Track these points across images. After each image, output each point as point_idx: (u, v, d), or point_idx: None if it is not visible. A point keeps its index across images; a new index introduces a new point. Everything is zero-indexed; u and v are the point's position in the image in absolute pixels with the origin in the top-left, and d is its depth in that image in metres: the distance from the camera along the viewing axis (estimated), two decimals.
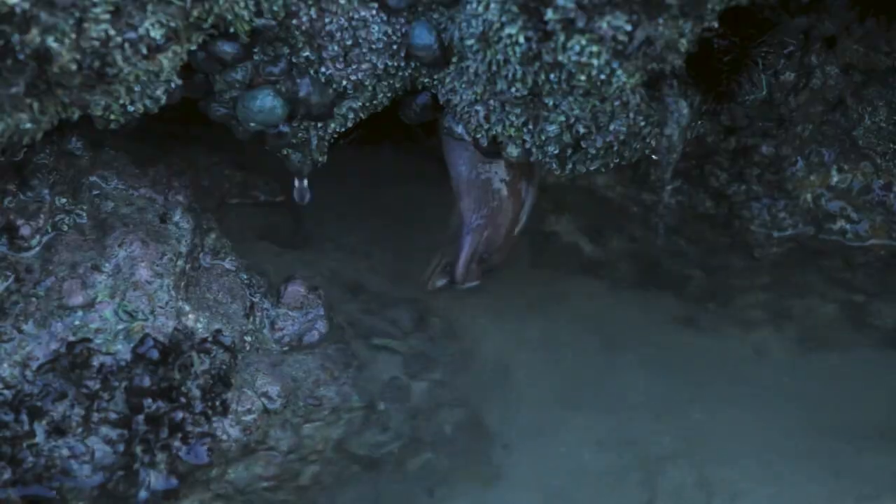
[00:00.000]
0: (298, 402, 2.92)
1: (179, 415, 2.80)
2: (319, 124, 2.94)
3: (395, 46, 2.86)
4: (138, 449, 2.79)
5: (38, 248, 2.89)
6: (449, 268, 3.11)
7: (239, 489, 2.87)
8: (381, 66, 2.87)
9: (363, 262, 3.21)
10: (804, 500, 2.87)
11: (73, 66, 2.62)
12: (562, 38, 2.67)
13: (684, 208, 3.28)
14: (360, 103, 2.92)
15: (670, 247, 3.23)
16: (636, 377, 3.07)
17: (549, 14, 2.65)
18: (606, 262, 3.27)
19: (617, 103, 2.81)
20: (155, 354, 2.80)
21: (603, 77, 2.70)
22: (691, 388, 3.05)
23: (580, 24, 2.64)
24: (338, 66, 2.86)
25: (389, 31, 2.85)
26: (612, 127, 2.85)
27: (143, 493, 2.79)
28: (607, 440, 2.98)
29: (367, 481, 2.92)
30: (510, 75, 2.77)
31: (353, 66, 2.86)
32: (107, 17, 2.61)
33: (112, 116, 2.76)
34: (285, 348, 2.97)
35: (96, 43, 2.62)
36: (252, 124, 2.90)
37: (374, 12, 2.82)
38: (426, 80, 2.91)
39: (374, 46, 2.85)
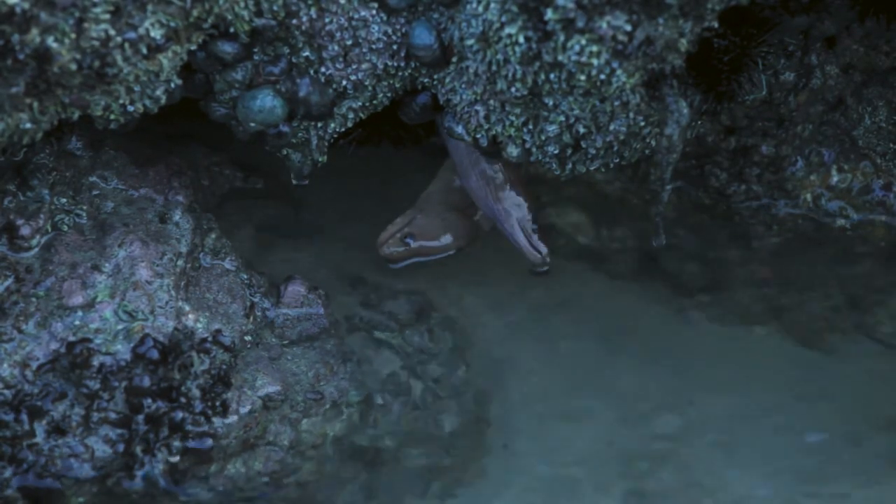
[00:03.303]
0: (297, 398, 2.92)
1: (179, 415, 2.80)
2: (319, 124, 2.94)
3: (395, 46, 2.86)
4: (138, 449, 2.79)
5: (37, 248, 2.89)
6: (410, 238, 3.11)
7: (238, 485, 2.87)
8: (381, 66, 2.87)
9: (363, 255, 3.21)
10: (803, 496, 2.87)
11: (73, 66, 2.62)
12: (562, 37, 2.67)
13: (684, 200, 3.28)
14: (360, 103, 2.92)
15: (669, 240, 3.23)
16: (636, 370, 3.07)
17: (549, 14, 2.65)
18: (605, 254, 3.27)
19: (617, 103, 2.81)
20: (155, 354, 2.80)
21: (603, 77, 2.70)
22: (691, 381, 3.05)
23: (580, 23, 2.64)
24: (338, 65, 2.86)
25: (389, 31, 2.85)
26: (612, 127, 2.85)
27: (138, 483, 2.79)
28: (607, 434, 2.98)
29: (365, 476, 2.92)
30: (510, 75, 2.77)
31: (353, 66, 2.86)
32: (107, 17, 2.61)
33: (112, 116, 2.77)
34: (285, 342, 2.97)
35: (96, 43, 2.62)
36: (252, 124, 2.90)
37: (374, 12, 2.82)
38: (426, 80, 2.91)
39: (374, 46, 2.85)
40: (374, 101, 2.93)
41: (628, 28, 2.63)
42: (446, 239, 3.14)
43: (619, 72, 2.70)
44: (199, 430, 2.82)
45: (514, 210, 3.05)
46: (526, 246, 3.05)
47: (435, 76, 2.90)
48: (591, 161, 2.90)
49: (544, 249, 3.05)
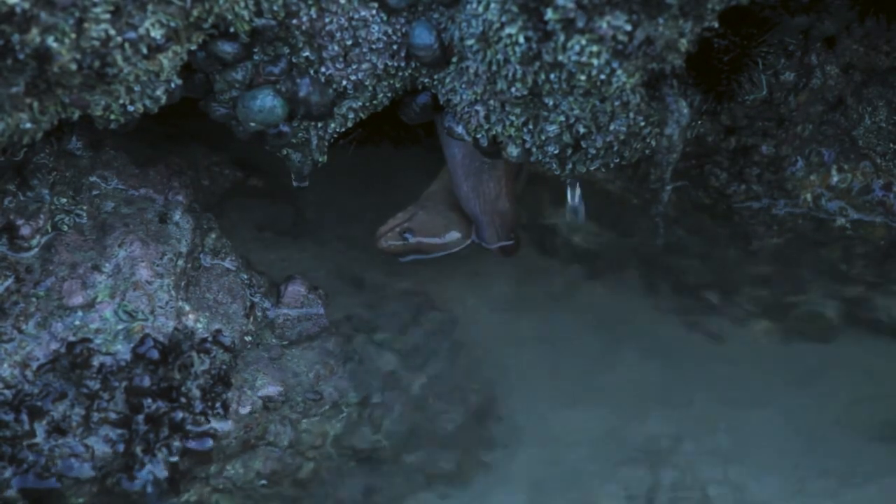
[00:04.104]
0: (297, 398, 2.92)
1: (179, 415, 2.81)
2: (319, 124, 2.94)
3: (395, 46, 2.86)
4: (138, 449, 2.79)
5: (37, 248, 2.89)
6: (409, 233, 3.12)
7: (238, 485, 2.87)
8: (381, 66, 2.87)
9: (363, 256, 3.21)
10: (802, 493, 2.88)
11: (73, 66, 2.62)
12: (562, 37, 2.67)
13: (683, 200, 3.28)
14: (360, 103, 2.92)
15: (669, 238, 3.23)
16: (635, 370, 3.08)
17: (549, 14, 2.65)
18: (605, 254, 3.28)
19: (617, 103, 2.81)
20: (155, 354, 2.80)
21: (603, 77, 2.70)
22: (691, 381, 3.06)
23: (580, 23, 2.64)
24: (338, 65, 2.86)
25: (389, 31, 2.85)
26: (612, 127, 2.85)
27: (138, 483, 2.79)
28: (606, 434, 2.98)
29: (364, 476, 2.92)
30: (510, 75, 2.77)
31: (353, 66, 2.86)
32: (107, 16, 2.61)
33: (112, 116, 2.77)
34: (285, 342, 2.98)
35: (96, 43, 2.62)
36: (252, 124, 2.90)
37: (374, 12, 2.82)
38: (426, 80, 2.91)
39: (374, 46, 2.85)
40: (374, 101, 2.93)
41: (628, 28, 2.64)
42: (445, 237, 3.15)
43: (619, 72, 2.70)
44: (199, 430, 2.82)
45: (497, 221, 3.08)
46: (493, 245, 3.11)
47: (435, 76, 2.90)
48: (592, 161, 2.90)
49: (508, 254, 3.11)
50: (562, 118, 2.83)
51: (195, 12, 2.70)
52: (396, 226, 3.12)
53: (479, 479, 2.94)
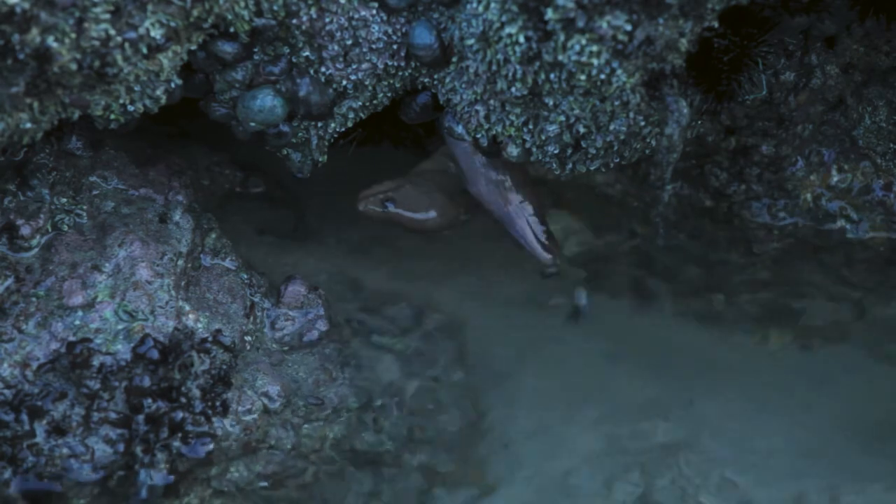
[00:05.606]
0: (298, 402, 2.92)
1: (179, 415, 2.81)
2: (319, 124, 2.94)
3: (395, 46, 2.86)
4: (138, 449, 2.79)
5: (37, 248, 2.89)
6: (391, 203, 3.11)
7: (239, 488, 2.87)
8: (381, 66, 2.87)
9: (363, 259, 3.21)
10: (803, 497, 2.88)
11: (73, 66, 2.62)
12: (562, 37, 2.67)
13: (684, 203, 3.28)
14: (360, 103, 2.93)
15: (670, 242, 3.24)
16: (636, 373, 3.08)
17: (549, 14, 2.65)
18: (606, 258, 3.28)
19: (617, 103, 2.82)
20: (155, 354, 2.80)
21: (603, 77, 2.71)
22: (691, 385, 3.06)
23: (580, 23, 2.64)
24: (338, 65, 2.86)
25: (389, 31, 2.85)
26: (612, 127, 2.85)
27: (142, 492, 2.79)
28: (606, 438, 2.98)
29: (365, 480, 2.92)
30: (510, 75, 2.77)
31: (353, 66, 2.86)
32: (107, 16, 2.62)
33: (112, 116, 2.77)
34: (285, 348, 2.98)
35: (96, 43, 2.62)
36: (252, 124, 2.90)
37: (374, 12, 2.83)
38: (426, 79, 2.91)
39: (374, 46, 2.85)
40: (374, 101, 2.93)
41: (628, 28, 2.64)
42: (425, 215, 3.13)
43: (619, 71, 2.70)
44: (200, 430, 2.82)
45: (525, 213, 3.06)
46: (537, 248, 3.05)
47: (435, 76, 2.90)
48: (592, 161, 2.90)
49: (554, 252, 3.06)
50: (562, 118, 2.83)
51: (195, 12, 2.71)
52: (380, 192, 3.11)
53: (479, 483, 2.94)
